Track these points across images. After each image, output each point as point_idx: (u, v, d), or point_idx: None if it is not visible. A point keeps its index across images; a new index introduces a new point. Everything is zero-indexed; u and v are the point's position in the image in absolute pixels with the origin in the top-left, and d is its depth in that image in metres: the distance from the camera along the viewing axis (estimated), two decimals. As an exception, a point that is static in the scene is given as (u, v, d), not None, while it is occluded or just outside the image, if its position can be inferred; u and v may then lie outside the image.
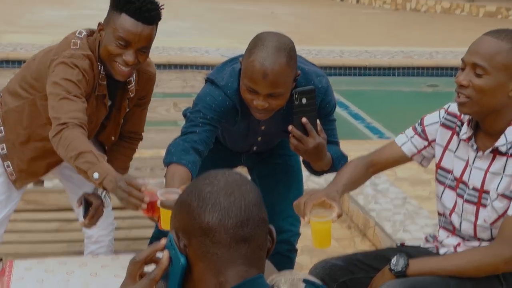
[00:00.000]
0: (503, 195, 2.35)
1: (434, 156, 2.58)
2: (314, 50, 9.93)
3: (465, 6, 15.84)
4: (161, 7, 2.63)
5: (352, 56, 9.89)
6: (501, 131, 2.34)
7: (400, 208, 4.55)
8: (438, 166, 2.54)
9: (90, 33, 2.72)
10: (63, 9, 13.08)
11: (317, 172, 2.75)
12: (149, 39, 2.59)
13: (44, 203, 3.65)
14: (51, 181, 4.01)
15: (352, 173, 2.60)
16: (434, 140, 2.56)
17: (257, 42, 2.47)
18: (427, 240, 2.67)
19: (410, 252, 2.61)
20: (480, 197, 2.41)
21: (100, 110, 2.77)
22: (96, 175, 2.36)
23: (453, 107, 2.50)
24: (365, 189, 4.74)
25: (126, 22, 2.53)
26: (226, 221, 1.38)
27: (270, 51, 2.41)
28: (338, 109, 8.72)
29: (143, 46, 2.59)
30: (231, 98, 2.61)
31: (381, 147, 2.70)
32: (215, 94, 2.61)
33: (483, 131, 2.40)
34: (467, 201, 2.44)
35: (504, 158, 2.34)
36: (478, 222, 2.43)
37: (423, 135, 2.58)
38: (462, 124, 2.46)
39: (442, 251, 2.56)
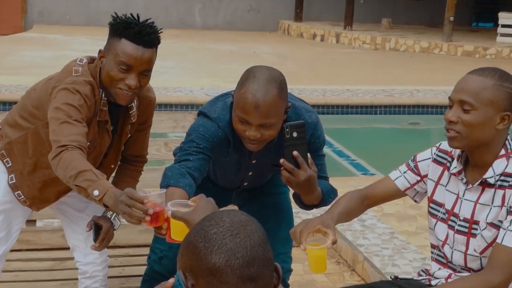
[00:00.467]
0: (492, 224, 2.43)
1: (426, 191, 2.66)
2: (297, 89, 10.02)
3: (443, 45, 16.11)
4: (159, 31, 2.70)
5: (335, 94, 10.02)
6: (489, 164, 2.43)
7: (388, 243, 4.60)
8: (431, 199, 2.62)
9: (91, 60, 2.77)
10: (46, 50, 13.13)
11: (307, 207, 2.78)
12: (150, 62, 2.64)
13: (37, 243, 3.65)
14: (42, 221, 4.04)
15: (347, 204, 2.66)
16: (426, 175, 2.64)
17: (249, 74, 2.53)
18: (419, 274, 2.72)
19: (403, 285, 2.68)
20: (470, 227, 2.49)
21: (103, 137, 2.79)
22: (96, 192, 2.36)
23: (444, 145, 2.59)
24: (353, 225, 4.80)
25: (127, 46, 2.59)
26: (232, 261, 1.41)
27: (261, 82, 2.48)
28: (322, 147, 8.69)
29: (145, 70, 2.64)
30: (223, 130, 2.65)
31: (375, 182, 2.78)
32: (208, 125, 2.66)
33: (471, 164, 2.49)
34: (458, 231, 2.52)
35: (492, 190, 2.43)
36: (469, 252, 2.51)
37: (415, 170, 2.66)
38: (453, 159, 2.55)
39: (434, 282, 2.62)
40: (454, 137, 2.41)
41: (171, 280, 1.49)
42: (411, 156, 2.73)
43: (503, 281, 2.36)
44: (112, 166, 2.98)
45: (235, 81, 2.67)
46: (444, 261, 2.62)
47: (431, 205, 2.62)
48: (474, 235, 2.49)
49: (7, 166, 2.90)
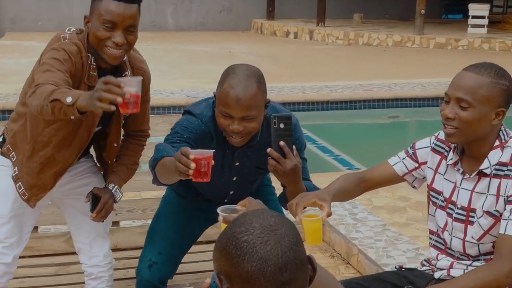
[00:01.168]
0: (488, 213, 2.53)
1: (424, 177, 2.76)
2: (277, 87, 10.12)
3: (415, 38, 16.28)
4: None
5: (314, 91, 10.09)
6: (485, 155, 2.53)
7: (380, 235, 4.69)
8: (430, 187, 2.73)
9: (80, 31, 2.82)
10: (23, 57, 13.03)
11: None
12: (134, 18, 2.70)
13: (40, 249, 3.70)
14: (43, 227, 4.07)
15: (344, 183, 2.71)
16: (423, 163, 2.74)
17: (228, 72, 2.67)
18: (423, 265, 2.81)
19: (408, 275, 2.76)
20: (467, 215, 2.59)
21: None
22: (69, 98, 2.38)
23: (442, 134, 2.68)
24: (345, 219, 4.88)
25: (109, 5, 2.67)
26: (264, 269, 1.44)
27: (241, 77, 2.62)
28: (306, 143, 8.80)
29: (130, 25, 2.69)
30: (206, 124, 2.76)
31: (373, 166, 2.86)
32: (191, 120, 2.78)
33: (467, 155, 2.59)
34: (456, 219, 2.62)
35: (488, 179, 2.53)
36: (467, 239, 2.60)
37: (413, 157, 2.76)
38: (450, 149, 2.65)
39: (437, 274, 2.70)
40: (452, 133, 2.50)
41: (208, 280, 1.53)
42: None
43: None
44: (115, 144, 3.02)
45: (213, 81, 2.81)
46: (442, 247, 2.71)
47: (431, 192, 2.73)
48: (472, 223, 2.58)
49: (13, 160, 2.94)
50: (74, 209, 3.09)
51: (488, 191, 2.54)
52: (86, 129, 2.84)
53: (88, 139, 2.87)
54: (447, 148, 2.67)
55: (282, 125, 2.58)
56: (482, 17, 17.12)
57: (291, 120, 2.62)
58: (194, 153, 2.35)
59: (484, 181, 2.55)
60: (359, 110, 9.69)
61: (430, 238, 2.79)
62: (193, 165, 2.32)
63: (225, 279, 1.48)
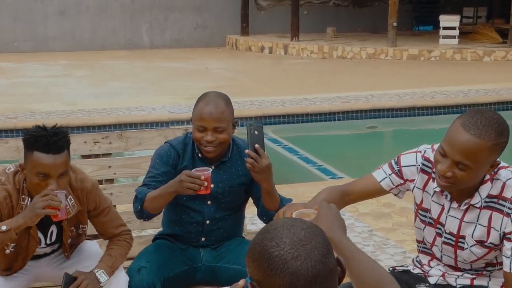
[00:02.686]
0: (482, 245, 2.61)
1: (409, 189, 2.82)
2: (257, 101, 10.27)
3: (388, 50, 16.54)
4: (67, 134, 2.98)
5: (293, 104, 10.26)
6: (475, 189, 2.59)
7: (368, 241, 4.85)
8: (419, 207, 2.78)
9: (18, 169, 3.03)
10: (0, 78, 13.08)
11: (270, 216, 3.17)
12: (65, 165, 2.92)
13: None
14: None
15: (328, 195, 2.76)
16: (410, 180, 2.78)
17: (200, 96, 3.24)
18: (415, 265, 2.90)
19: (401, 276, 2.83)
20: (457, 241, 2.67)
21: (29, 241, 3.05)
22: (3, 227, 2.80)
23: (428, 153, 2.73)
24: (333, 226, 5.03)
25: (40, 158, 2.87)
26: (295, 283, 1.53)
27: (212, 97, 3.20)
28: (289, 155, 9.00)
29: (61, 173, 2.91)
30: (174, 147, 3.29)
31: (356, 179, 2.92)
32: (163, 147, 3.34)
33: None
34: (445, 243, 2.70)
35: (477, 210, 2.61)
36: (458, 259, 2.70)
37: (399, 174, 2.79)
38: None
39: (432, 280, 2.80)
40: (447, 187, 2.56)
41: (241, 283, 1.65)
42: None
43: None
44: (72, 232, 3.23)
45: (193, 97, 3.30)
46: (431, 253, 2.81)
47: (420, 211, 2.78)
48: (462, 248, 2.66)
49: None
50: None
51: (477, 221, 2.61)
52: (22, 260, 3.12)
53: (23, 264, 3.14)
54: (434, 170, 2.66)
55: (256, 132, 3.05)
56: (453, 28, 17.43)
57: (262, 128, 3.10)
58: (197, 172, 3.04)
59: (474, 211, 2.61)
60: (338, 121, 9.87)
61: (418, 246, 2.87)
62: (206, 183, 3.00)
63: (258, 286, 1.58)
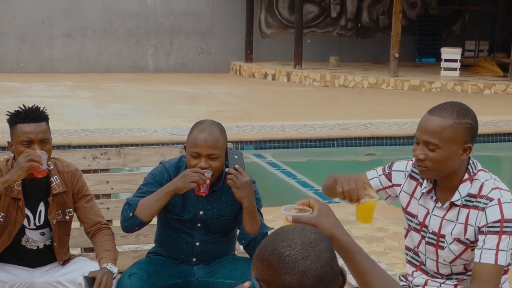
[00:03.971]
0: (459, 240, 2.77)
1: (397, 196, 2.99)
2: (258, 126, 10.41)
3: (390, 80, 16.69)
4: (44, 109, 3.36)
5: (293, 130, 10.38)
6: (455, 188, 2.77)
7: (360, 262, 4.92)
8: (406, 211, 2.96)
9: (10, 145, 3.36)
10: (6, 97, 13.22)
11: (248, 240, 3.29)
12: (45, 132, 3.28)
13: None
14: None
15: (331, 178, 3.01)
16: (396, 184, 2.95)
17: (196, 124, 3.30)
18: (400, 280, 3.03)
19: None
20: (438, 240, 2.82)
21: (17, 213, 3.29)
22: None
23: None
24: (326, 247, 5.11)
25: (23, 128, 3.25)
26: (304, 282, 1.61)
27: (207, 124, 3.27)
28: (287, 178, 9.06)
29: (42, 139, 3.26)
30: (167, 170, 3.36)
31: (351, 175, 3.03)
32: (158, 168, 3.42)
33: (440, 186, 2.83)
34: (428, 243, 2.86)
35: (458, 209, 2.77)
36: (439, 260, 2.84)
37: (388, 176, 2.97)
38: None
39: None
40: (424, 171, 2.75)
41: (247, 284, 1.70)
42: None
43: None
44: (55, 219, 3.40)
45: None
46: (418, 263, 2.94)
47: (406, 216, 2.96)
48: (442, 247, 2.82)
49: None
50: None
51: (457, 220, 2.77)
52: (8, 233, 3.31)
53: (9, 239, 3.32)
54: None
55: (236, 156, 3.26)
56: (455, 61, 17.60)
57: (242, 154, 3.30)
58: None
59: (454, 210, 2.78)
60: (337, 148, 9.98)
61: (407, 254, 3.01)
62: (208, 180, 3.15)
63: (265, 286, 1.66)
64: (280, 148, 9.63)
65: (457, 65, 17.55)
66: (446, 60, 17.66)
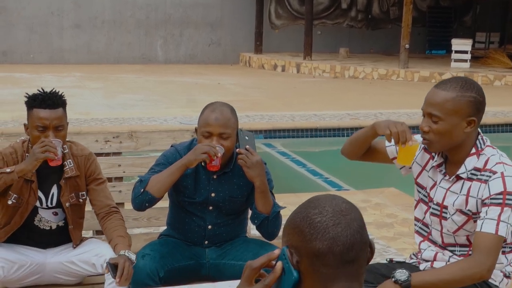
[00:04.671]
0: (461, 211, 2.84)
1: (410, 167, 3.05)
2: (267, 116, 10.42)
3: (400, 72, 16.67)
4: (62, 95, 3.38)
5: (303, 119, 10.40)
6: (462, 161, 2.84)
7: (370, 248, 4.94)
8: (416, 182, 3.04)
9: (26, 128, 3.39)
10: (15, 88, 13.26)
11: (262, 220, 3.32)
12: (60, 119, 3.30)
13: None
14: None
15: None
16: None
17: (207, 105, 3.35)
18: (411, 258, 3.09)
19: (397, 267, 2.97)
20: (441, 211, 2.91)
21: (29, 195, 3.32)
22: (7, 169, 3.18)
23: None
24: (337, 233, 5.13)
25: (38, 113, 3.27)
26: (334, 248, 1.61)
27: (218, 105, 3.32)
28: (297, 167, 9.07)
29: (57, 126, 3.28)
30: (179, 152, 3.37)
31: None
32: (170, 150, 3.45)
33: (449, 160, 2.90)
34: (432, 214, 2.94)
35: (462, 181, 2.85)
36: (444, 231, 2.92)
37: None
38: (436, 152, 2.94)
39: (422, 266, 2.99)
40: (429, 144, 2.83)
41: (277, 251, 1.70)
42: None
43: (493, 262, 2.70)
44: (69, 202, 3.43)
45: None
46: (425, 234, 3.02)
47: (416, 186, 3.05)
48: (445, 218, 2.90)
49: None
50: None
51: (460, 192, 2.85)
52: (20, 214, 3.34)
53: (21, 221, 3.35)
54: None
55: (247, 137, 3.28)
56: (465, 52, 17.55)
57: (253, 135, 3.34)
58: None
59: (459, 183, 2.86)
60: (347, 137, 9.92)
61: (415, 225, 3.08)
62: (219, 153, 3.18)
63: (296, 253, 1.66)
64: (289, 138, 9.64)
65: (468, 56, 17.50)
66: (456, 52, 17.62)
